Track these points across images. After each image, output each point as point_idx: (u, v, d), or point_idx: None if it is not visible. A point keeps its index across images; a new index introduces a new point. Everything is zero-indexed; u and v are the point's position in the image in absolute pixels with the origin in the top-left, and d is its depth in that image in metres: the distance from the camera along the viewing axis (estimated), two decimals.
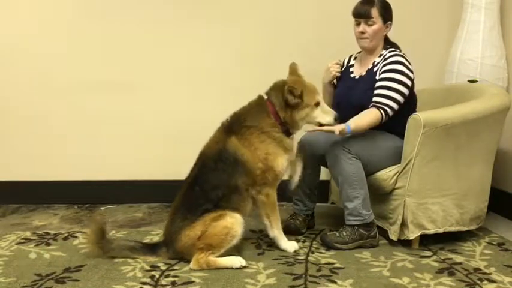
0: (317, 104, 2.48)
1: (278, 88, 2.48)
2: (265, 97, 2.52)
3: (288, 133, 2.53)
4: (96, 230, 2.39)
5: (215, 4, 3.45)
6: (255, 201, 2.53)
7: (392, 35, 2.83)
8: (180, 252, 2.41)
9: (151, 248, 2.47)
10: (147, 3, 3.42)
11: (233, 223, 2.35)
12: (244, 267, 2.35)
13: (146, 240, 2.71)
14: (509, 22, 3.26)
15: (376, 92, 2.64)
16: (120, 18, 3.42)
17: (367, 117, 2.58)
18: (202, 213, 2.36)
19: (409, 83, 2.65)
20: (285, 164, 2.51)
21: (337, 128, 2.44)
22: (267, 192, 2.51)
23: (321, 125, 2.49)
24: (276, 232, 2.58)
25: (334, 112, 2.51)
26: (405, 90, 2.63)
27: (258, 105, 2.52)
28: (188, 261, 2.37)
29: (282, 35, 3.46)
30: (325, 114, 2.49)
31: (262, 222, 2.60)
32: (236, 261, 2.36)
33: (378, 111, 2.58)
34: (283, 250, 2.58)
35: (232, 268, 2.33)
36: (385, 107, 2.59)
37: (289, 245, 2.58)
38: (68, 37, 3.42)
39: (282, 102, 2.45)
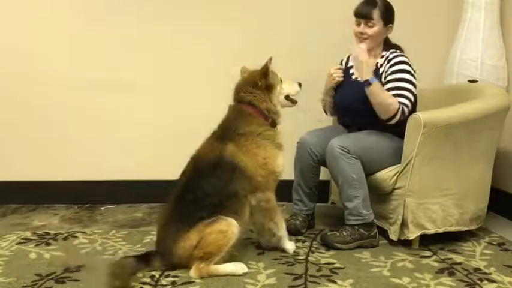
0: (281, 80, 2.57)
1: (242, 88, 2.51)
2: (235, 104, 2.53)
3: (274, 124, 2.52)
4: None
5: (215, 4, 3.44)
6: (252, 210, 2.46)
7: (392, 35, 2.83)
8: (177, 265, 2.31)
9: (145, 261, 2.30)
10: (147, 3, 3.42)
11: (228, 225, 2.27)
12: (246, 273, 2.29)
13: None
14: (509, 22, 3.26)
15: (389, 93, 2.65)
16: (120, 18, 3.42)
17: (388, 96, 2.60)
18: (196, 222, 2.26)
19: (416, 82, 2.68)
20: (282, 162, 2.50)
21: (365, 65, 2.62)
22: (267, 197, 2.46)
23: (291, 100, 2.60)
24: (283, 232, 2.55)
25: (296, 81, 2.62)
26: (415, 90, 2.67)
27: (238, 113, 2.48)
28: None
29: (282, 35, 3.45)
30: (291, 86, 2.61)
31: (265, 229, 2.51)
32: (238, 268, 2.30)
33: (398, 103, 2.60)
34: (283, 250, 2.55)
35: (234, 275, 2.27)
36: (402, 106, 2.61)
37: (290, 245, 2.58)
38: (68, 37, 3.42)
39: (256, 94, 2.46)
